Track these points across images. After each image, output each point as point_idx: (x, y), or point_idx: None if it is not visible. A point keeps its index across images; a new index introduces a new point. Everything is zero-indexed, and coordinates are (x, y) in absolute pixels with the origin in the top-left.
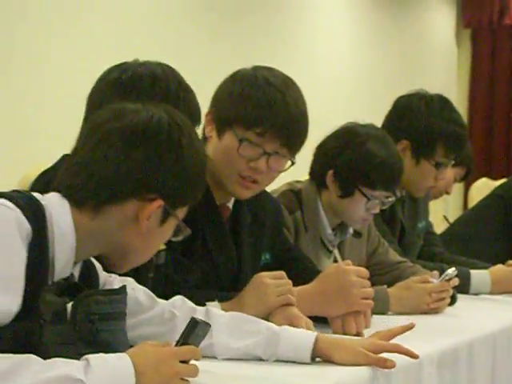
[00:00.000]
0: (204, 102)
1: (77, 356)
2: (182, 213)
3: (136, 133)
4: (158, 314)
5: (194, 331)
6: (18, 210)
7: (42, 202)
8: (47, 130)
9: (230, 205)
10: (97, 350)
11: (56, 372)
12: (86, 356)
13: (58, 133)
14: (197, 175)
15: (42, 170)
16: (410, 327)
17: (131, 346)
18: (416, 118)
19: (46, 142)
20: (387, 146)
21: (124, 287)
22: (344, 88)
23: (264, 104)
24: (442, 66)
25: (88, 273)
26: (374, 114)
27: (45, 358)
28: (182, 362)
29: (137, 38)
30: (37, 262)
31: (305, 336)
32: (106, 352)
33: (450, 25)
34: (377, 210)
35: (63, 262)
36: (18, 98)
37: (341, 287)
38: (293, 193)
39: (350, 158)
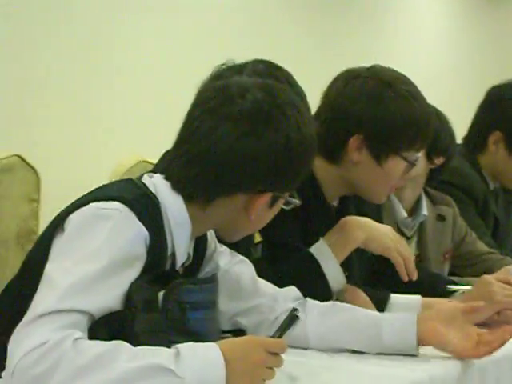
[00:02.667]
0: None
1: (167, 344)
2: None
3: (243, 124)
4: (266, 304)
5: (292, 325)
6: (134, 216)
7: (156, 195)
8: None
9: (335, 203)
10: (187, 339)
11: (147, 361)
12: (176, 345)
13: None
14: (308, 164)
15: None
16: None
17: (223, 333)
18: (509, 108)
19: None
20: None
21: (215, 276)
22: (443, 83)
23: (421, 124)
24: None
25: (198, 244)
26: (468, 103)
27: (136, 347)
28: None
29: (228, 34)
30: (157, 261)
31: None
32: (197, 340)
33: None
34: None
35: (182, 249)
36: (106, 95)
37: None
38: None
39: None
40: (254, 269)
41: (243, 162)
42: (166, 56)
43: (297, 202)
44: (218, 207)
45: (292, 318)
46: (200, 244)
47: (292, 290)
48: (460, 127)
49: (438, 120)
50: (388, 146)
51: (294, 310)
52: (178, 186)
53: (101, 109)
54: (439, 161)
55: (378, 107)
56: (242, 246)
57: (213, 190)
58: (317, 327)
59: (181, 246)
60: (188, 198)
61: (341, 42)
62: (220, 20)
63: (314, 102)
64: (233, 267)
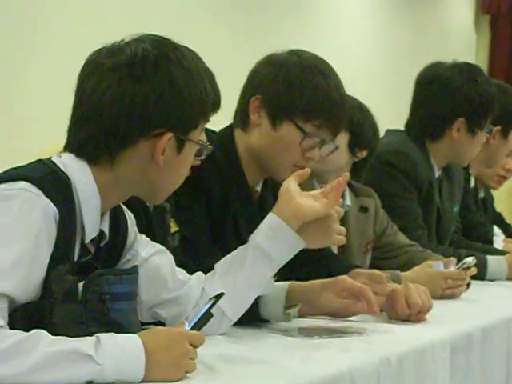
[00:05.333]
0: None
1: (87, 335)
2: (197, 133)
3: (124, 71)
4: (184, 294)
5: (210, 320)
6: (41, 194)
7: (65, 171)
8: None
9: (259, 188)
10: (108, 330)
11: (66, 346)
12: (97, 334)
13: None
14: (198, 97)
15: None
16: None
17: (143, 325)
18: (466, 93)
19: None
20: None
21: (136, 267)
22: (363, 73)
23: (322, 95)
24: (460, 52)
25: (117, 228)
26: (394, 96)
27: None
28: None
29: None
30: (67, 237)
31: None
32: (117, 332)
33: (468, 11)
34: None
35: (92, 223)
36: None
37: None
38: None
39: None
40: (173, 259)
41: (129, 106)
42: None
43: (209, 147)
44: (124, 164)
45: (208, 315)
46: (120, 229)
47: (200, 273)
48: (383, 122)
49: (361, 113)
50: (283, 110)
51: (215, 301)
52: (80, 151)
53: (15, 97)
54: (362, 154)
55: (279, 71)
56: (158, 235)
57: (112, 143)
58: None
59: (89, 219)
60: (94, 162)
61: (264, 40)
62: (139, 20)
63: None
64: (152, 257)
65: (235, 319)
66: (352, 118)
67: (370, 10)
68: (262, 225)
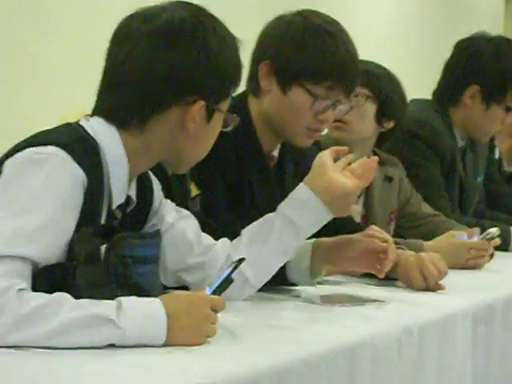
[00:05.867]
0: None
1: (109, 298)
2: (225, 104)
3: (160, 37)
4: (209, 260)
5: (231, 285)
6: (70, 158)
7: (93, 136)
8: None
9: (276, 153)
10: (129, 293)
11: (88, 311)
12: (119, 298)
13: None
14: (231, 66)
15: None
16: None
17: (165, 289)
18: (486, 61)
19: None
20: None
21: (158, 231)
22: (388, 43)
23: (330, 56)
24: (487, 23)
25: (143, 193)
26: (420, 66)
27: (77, 299)
28: None
29: None
30: (95, 202)
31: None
32: (139, 295)
33: None
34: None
35: (120, 188)
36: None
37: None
38: None
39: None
40: (197, 224)
41: (163, 73)
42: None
43: (236, 119)
44: (153, 129)
45: (229, 280)
46: (146, 194)
47: (226, 239)
48: (410, 91)
49: (390, 83)
50: (291, 74)
51: (236, 266)
52: (110, 116)
53: (38, 62)
54: (389, 125)
55: (286, 34)
56: (178, 200)
57: (143, 108)
58: (247, 260)
59: (117, 185)
60: (124, 127)
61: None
62: None
63: None
64: (178, 222)
65: (258, 286)
66: (380, 88)
67: None
68: (292, 194)
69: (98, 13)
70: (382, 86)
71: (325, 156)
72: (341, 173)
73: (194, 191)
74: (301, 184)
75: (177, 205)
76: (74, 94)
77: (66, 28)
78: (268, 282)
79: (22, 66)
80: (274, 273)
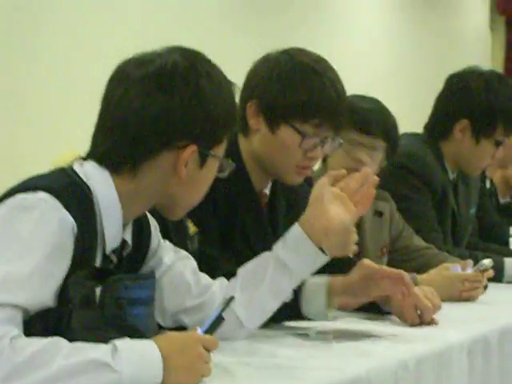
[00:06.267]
0: None
1: (105, 341)
2: (220, 149)
3: (152, 82)
4: (207, 301)
5: (222, 324)
6: (59, 204)
7: (86, 181)
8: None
9: (267, 191)
10: (124, 335)
11: (83, 356)
12: (113, 341)
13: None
14: (224, 111)
15: None
16: None
17: (160, 328)
18: (476, 96)
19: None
20: None
21: (153, 273)
22: (380, 78)
23: (317, 94)
24: (475, 53)
25: (140, 236)
26: (411, 100)
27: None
28: None
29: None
30: (87, 248)
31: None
32: (134, 337)
33: (484, 11)
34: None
35: (113, 233)
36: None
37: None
38: None
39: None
40: (196, 264)
41: (155, 117)
42: (102, 49)
43: (232, 164)
44: (146, 174)
45: (220, 319)
46: (143, 236)
47: (223, 278)
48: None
49: (392, 117)
50: (279, 113)
51: (225, 306)
52: (103, 160)
53: (36, 106)
54: (384, 163)
55: (272, 73)
56: (175, 239)
57: (136, 153)
58: (241, 303)
59: (111, 229)
60: (116, 172)
61: (277, 43)
62: (152, 19)
63: None
64: (176, 263)
65: (253, 328)
66: (395, 139)
67: (385, 13)
68: (286, 235)
69: (93, 52)
70: (396, 136)
71: (322, 186)
72: (338, 204)
73: (192, 229)
74: (295, 224)
75: (175, 244)
76: (68, 136)
77: (58, 67)
78: (282, 315)
79: (16, 109)
80: (269, 315)
